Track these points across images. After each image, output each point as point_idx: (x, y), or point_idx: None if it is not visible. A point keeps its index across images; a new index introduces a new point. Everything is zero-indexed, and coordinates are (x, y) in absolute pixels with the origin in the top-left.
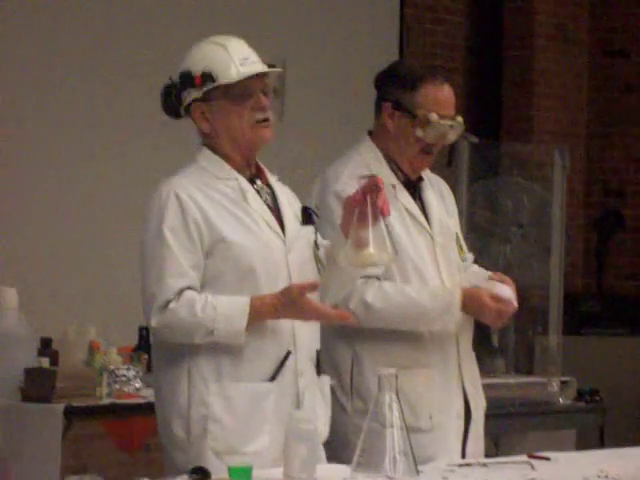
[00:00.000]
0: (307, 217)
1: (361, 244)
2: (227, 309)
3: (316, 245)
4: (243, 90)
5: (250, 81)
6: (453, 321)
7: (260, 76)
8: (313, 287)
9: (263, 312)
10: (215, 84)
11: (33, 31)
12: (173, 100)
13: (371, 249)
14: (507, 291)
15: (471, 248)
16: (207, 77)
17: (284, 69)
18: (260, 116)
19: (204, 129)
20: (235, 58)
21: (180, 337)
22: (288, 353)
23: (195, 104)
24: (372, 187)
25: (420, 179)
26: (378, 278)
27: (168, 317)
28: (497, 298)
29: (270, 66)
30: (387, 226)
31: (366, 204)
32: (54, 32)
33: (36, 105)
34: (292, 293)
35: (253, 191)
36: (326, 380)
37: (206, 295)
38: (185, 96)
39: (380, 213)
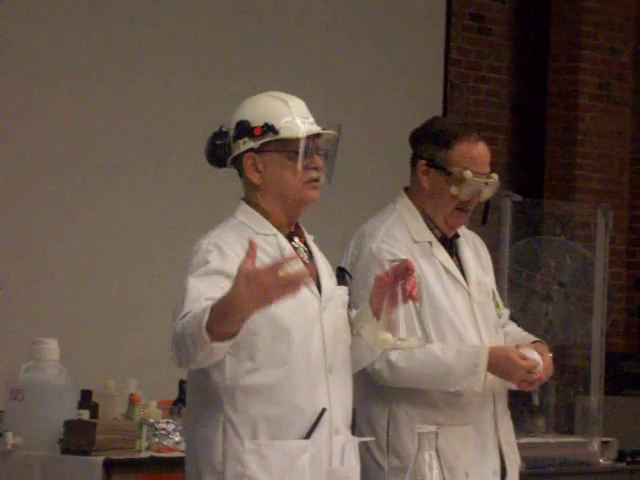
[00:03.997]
0: (341, 278)
1: (391, 327)
2: (198, 310)
3: (349, 306)
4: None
5: (307, 140)
6: (479, 381)
7: (315, 136)
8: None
9: (225, 300)
10: (277, 137)
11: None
12: (224, 148)
13: (402, 333)
14: (534, 354)
15: (513, 306)
16: (269, 128)
17: (339, 133)
18: (314, 175)
19: (254, 180)
20: (296, 115)
21: (183, 354)
22: (323, 410)
23: (248, 154)
24: (403, 271)
25: (456, 236)
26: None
27: (172, 339)
28: (525, 358)
29: (325, 128)
30: (418, 310)
31: (396, 288)
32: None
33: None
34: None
35: (291, 248)
36: (356, 439)
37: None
38: (239, 145)
39: (409, 297)
